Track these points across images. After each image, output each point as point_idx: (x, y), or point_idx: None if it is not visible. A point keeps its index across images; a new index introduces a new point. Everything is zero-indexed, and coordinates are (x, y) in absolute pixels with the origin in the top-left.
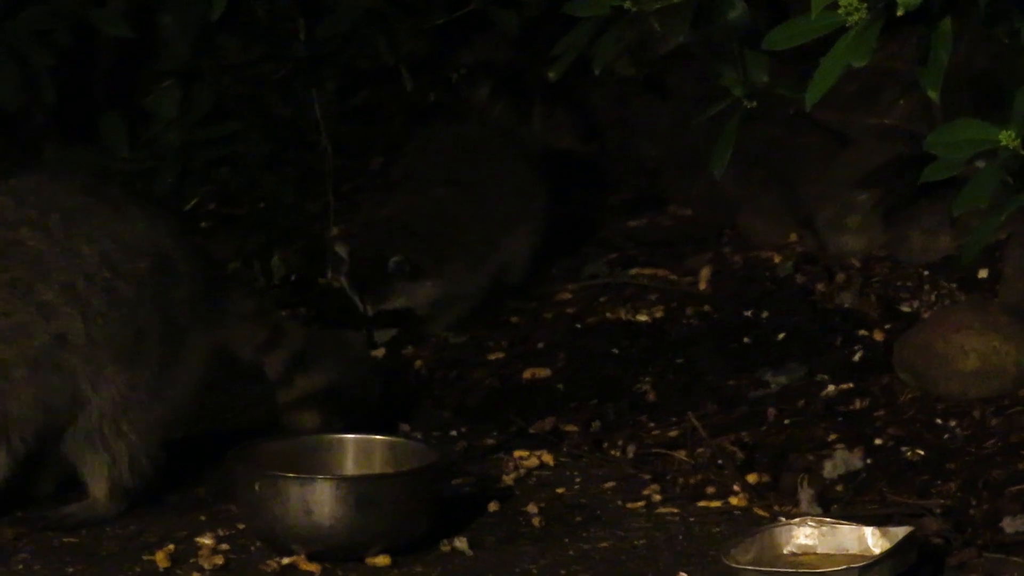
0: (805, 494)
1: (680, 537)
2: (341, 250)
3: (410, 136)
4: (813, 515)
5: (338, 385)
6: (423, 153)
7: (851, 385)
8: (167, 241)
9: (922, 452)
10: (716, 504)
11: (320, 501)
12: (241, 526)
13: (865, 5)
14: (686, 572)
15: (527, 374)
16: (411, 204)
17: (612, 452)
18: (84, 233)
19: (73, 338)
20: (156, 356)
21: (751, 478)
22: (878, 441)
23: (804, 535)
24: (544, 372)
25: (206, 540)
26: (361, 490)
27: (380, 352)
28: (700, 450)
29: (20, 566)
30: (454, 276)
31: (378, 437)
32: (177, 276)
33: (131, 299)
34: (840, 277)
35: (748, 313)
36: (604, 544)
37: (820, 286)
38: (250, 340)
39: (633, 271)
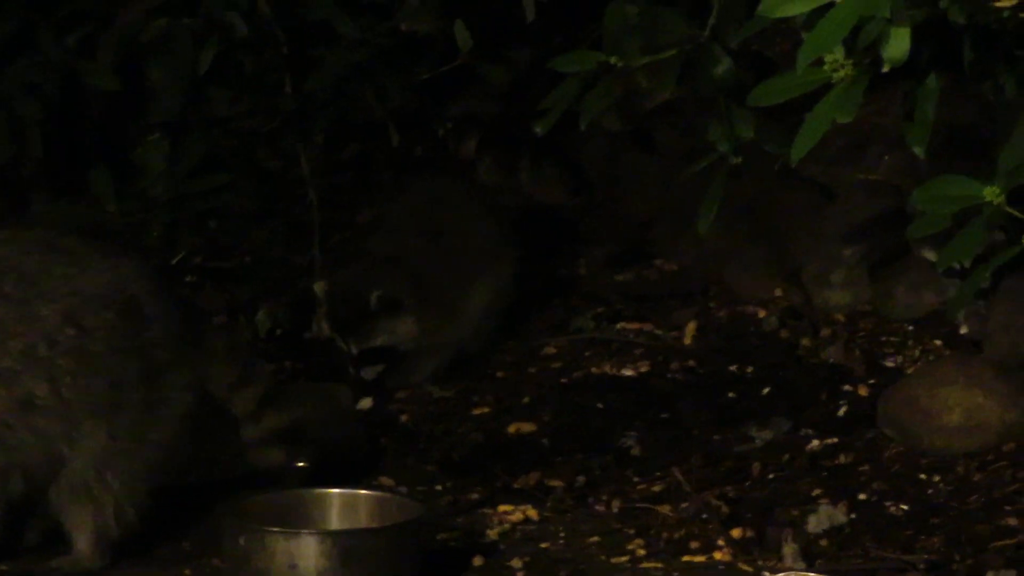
0: (789, 549)
1: None
2: (319, 290)
3: (395, 190)
4: (797, 570)
5: (314, 434)
6: (402, 205)
7: (836, 440)
8: (134, 284)
9: (906, 507)
10: (700, 559)
11: (305, 555)
12: None
13: (851, 62)
14: None
15: (512, 428)
16: (382, 254)
17: (597, 507)
18: (42, 294)
19: (41, 401)
20: (136, 401)
21: (735, 533)
22: (862, 496)
23: None
24: (529, 426)
25: None
26: (346, 544)
27: (367, 403)
28: (685, 505)
29: None
30: (428, 324)
31: (363, 491)
32: (148, 318)
33: (101, 351)
34: (825, 332)
35: (733, 368)
36: None
37: (805, 341)
38: (223, 377)
39: (619, 325)
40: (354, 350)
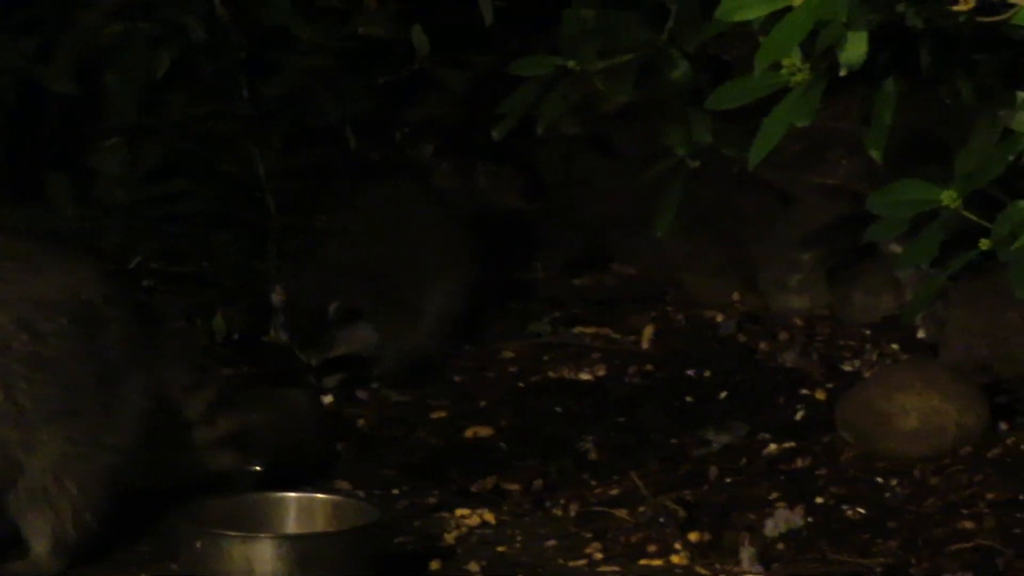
0: (747, 552)
1: None
2: (276, 299)
3: (352, 195)
4: (755, 573)
5: (271, 439)
6: (359, 210)
7: (793, 444)
8: (89, 289)
9: (863, 510)
10: (658, 562)
11: (262, 559)
12: None
13: (808, 65)
14: None
15: (469, 432)
16: (338, 261)
17: (554, 511)
18: None
19: None
20: (93, 406)
21: (693, 536)
22: (820, 499)
23: None
24: (487, 431)
25: None
26: (303, 548)
27: (329, 399)
28: (642, 508)
29: None
30: (386, 328)
31: (320, 495)
32: (104, 321)
33: (55, 357)
34: (783, 336)
35: (691, 372)
36: None
37: (763, 345)
38: (177, 380)
39: (577, 329)
40: (314, 362)
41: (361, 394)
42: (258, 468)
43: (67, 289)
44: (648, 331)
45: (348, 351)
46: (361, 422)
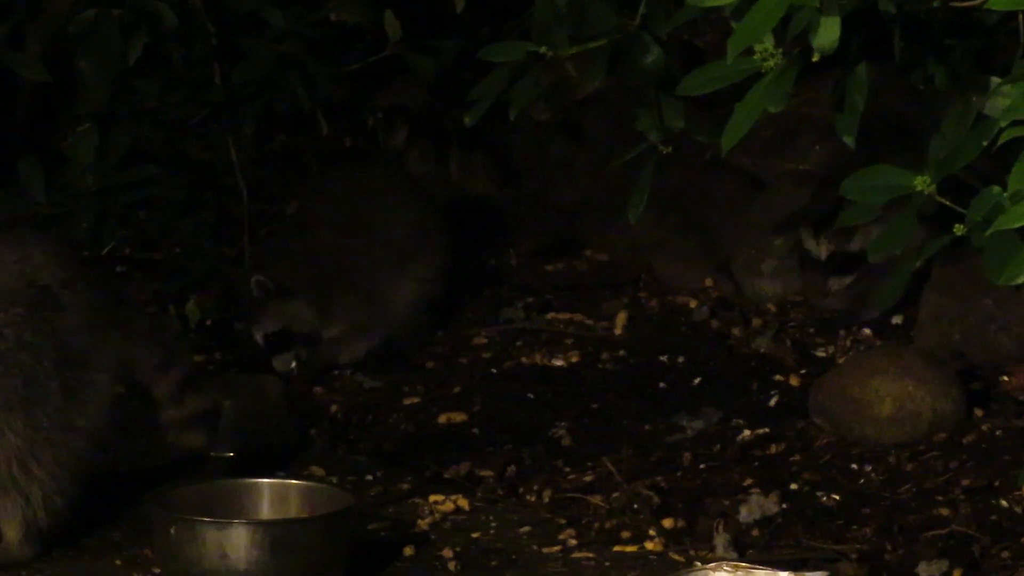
0: (721, 539)
1: None
2: (254, 285)
3: (324, 180)
4: (729, 560)
5: (244, 425)
6: (330, 196)
7: (767, 430)
8: (45, 273)
9: (837, 497)
10: (632, 549)
11: (236, 545)
12: (157, 570)
13: (780, 51)
14: None
15: (443, 419)
16: (308, 248)
17: (528, 497)
18: None
19: None
20: (55, 390)
21: (667, 523)
22: (794, 486)
23: None
24: (460, 417)
25: None
26: (276, 534)
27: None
28: (616, 495)
29: None
30: (357, 313)
31: (293, 481)
32: (62, 306)
33: (11, 348)
34: (756, 322)
35: (664, 358)
36: None
37: (736, 331)
38: (146, 359)
39: (549, 316)
40: (258, 338)
41: (332, 382)
42: (230, 454)
43: (23, 277)
44: (621, 317)
45: (282, 326)
46: (334, 408)
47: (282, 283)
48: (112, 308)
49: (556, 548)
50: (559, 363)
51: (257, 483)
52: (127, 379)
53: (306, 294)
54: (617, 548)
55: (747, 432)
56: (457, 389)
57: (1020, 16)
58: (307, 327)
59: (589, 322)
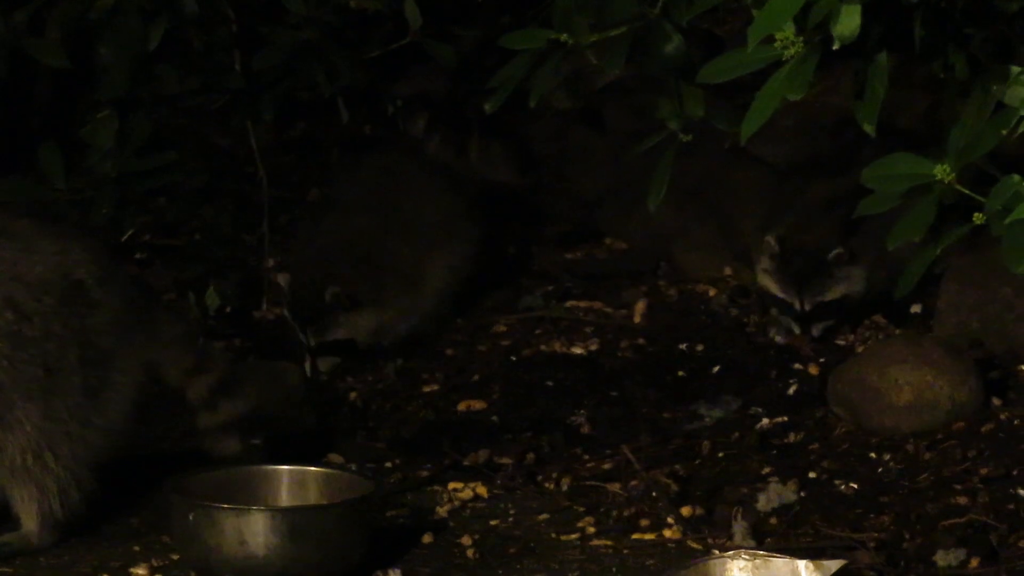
0: (739, 527)
1: (614, 569)
2: (282, 281)
3: (344, 167)
4: (747, 548)
5: (264, 412)
6: (352, 184)
7: (785, 418)
8: (82, 269)
9: (856, 485)
10: (650, 536)
11: (254, 532)
12: (175, 556)
13: (801, 39)
14: None
15: (462, 406)
16: (338, 234)
17: (546, 484)
18: None
19: None
20: (76, 385)
21: (685, 511)
22: (812, 474)
23: (738, 568)
24: (479, 404)
25: (140, 571)
26: (295, 521)
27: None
28: (634, 483)
29: None
30: (384, 305)
31: (312, 468)
32: (94, 303)
33: (37, 337)
34: (774, 310)
35: (683, 346)
36: None
37: (755, 319)
38: (177, 364)
39: (569, 303)
40: (312, 342)
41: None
42: (257, 442)
43: (59, 270)
44: (640, 305)
45: (346, 335)
46: (353, 395)
47: (307, 270)
48: (144, 311)
49: (574, 536)
50: (578, 351)
51: (276, 470)
52: (153, 382)
53: (374, 306)
54: (635, 536)
55: (765, 420)
56: (476, 377)
57: None
58: (370, 339)
59: (608, 310)
